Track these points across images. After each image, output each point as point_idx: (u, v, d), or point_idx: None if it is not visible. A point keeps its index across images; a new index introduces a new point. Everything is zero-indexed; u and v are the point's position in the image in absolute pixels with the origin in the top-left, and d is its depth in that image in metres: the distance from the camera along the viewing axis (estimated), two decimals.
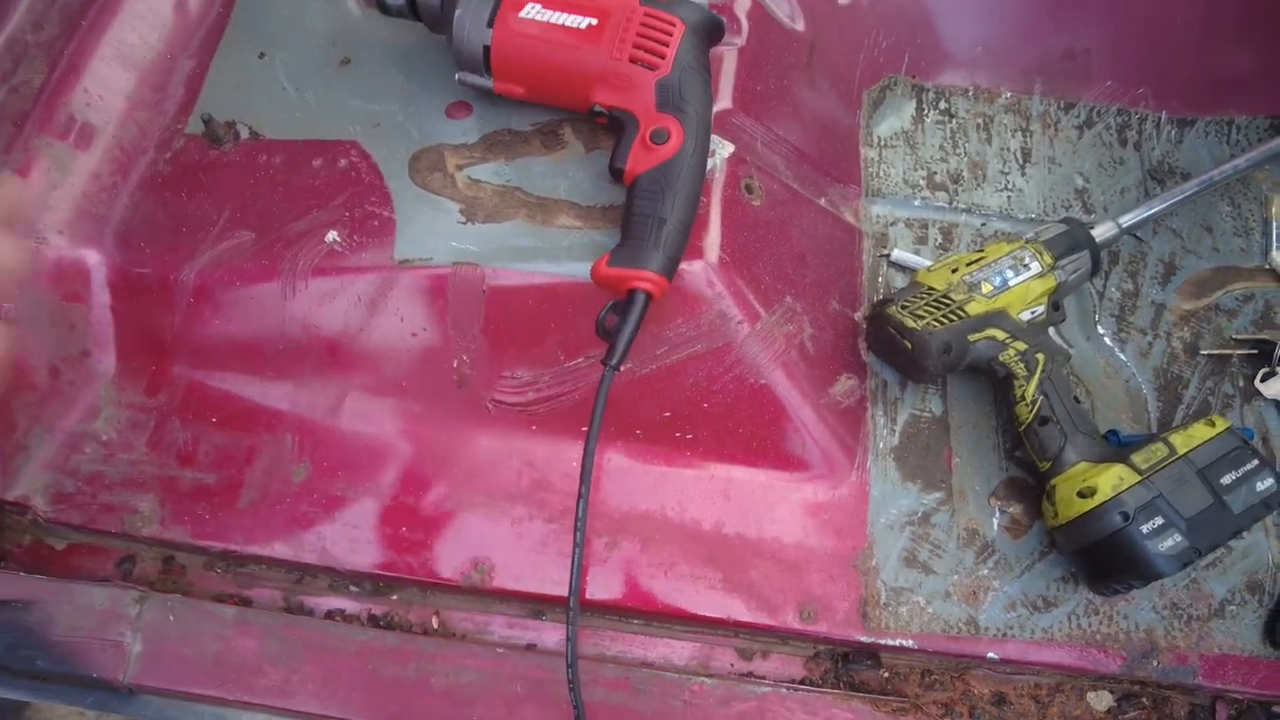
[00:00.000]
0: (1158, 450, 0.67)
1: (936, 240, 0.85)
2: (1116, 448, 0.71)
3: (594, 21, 0.67)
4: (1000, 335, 0.72)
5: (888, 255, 0.83)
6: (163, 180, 0.75)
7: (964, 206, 0.87)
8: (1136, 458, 0.67)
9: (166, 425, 0.74)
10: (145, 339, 0.74)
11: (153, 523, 0.72)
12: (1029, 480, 0.75)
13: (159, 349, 0.74)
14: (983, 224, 0.86)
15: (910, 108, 0.91)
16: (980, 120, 0.91)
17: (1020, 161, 0.90)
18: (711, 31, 0.70)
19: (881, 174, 0.87)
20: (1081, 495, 0.66)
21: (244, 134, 0.76)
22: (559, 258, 0.69)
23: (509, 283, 0.69)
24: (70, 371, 0.74)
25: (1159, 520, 0.64)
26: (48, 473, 0.73)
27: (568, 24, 0.67)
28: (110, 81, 0.76)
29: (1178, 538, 0.64)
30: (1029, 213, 0.87)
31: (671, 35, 0.66)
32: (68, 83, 0.74)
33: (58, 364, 0.74)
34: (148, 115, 0.77)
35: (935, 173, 0.88)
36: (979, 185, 0.88)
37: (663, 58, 0.66)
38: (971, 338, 0.72)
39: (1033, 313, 0.74)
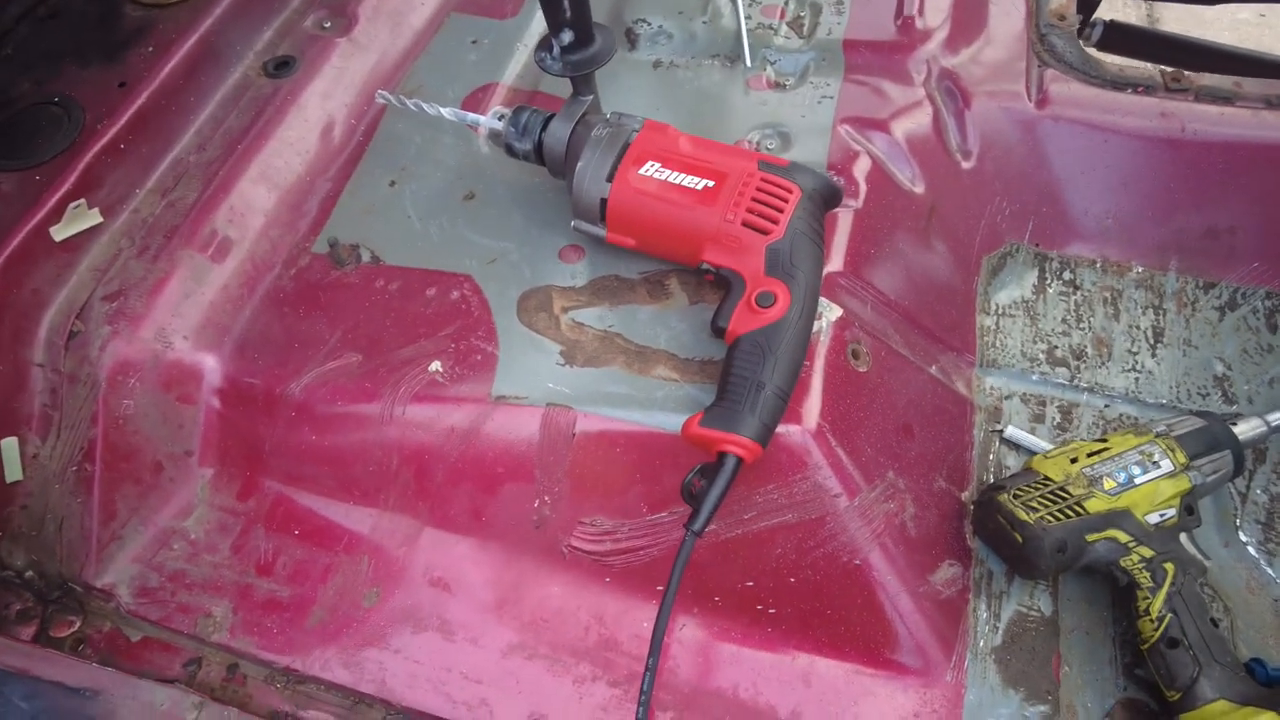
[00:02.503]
0: None
1: (1055, 419, 0.79)
2: (1264, 685, 0.63)
3: (711, 184, 0.67)
4: (1123, 538, 0.66)
5: (1001, 431, 0.78)
6: (284, 296, 0.78)
7: (1086, 385, 0.81)
8: None
9: (251, 532, 0.75)
10: (245, 446, 0.76)
11: (223, 629, 0.72)
12: (1151, 705, 0.67)
13: (256, 457, 0.76)
14: (1106, 406, 0.80)
15: (1032, 276, 0.87)
16: (1108, 294, 0.86)
17: (1151, 341, 0.84)
18: (829, 199, 0.69)
19: (998, 344, 0.83)
20: None
21: (365, 257, 0.80)
22: (651, 408, 0.67)
23: (599, 428, 0.68)
24: (172, 468, 0.77)
25: None
26: (136, 565, 0.75)
27: (685, 184, 0.67)
28: (253, 201, 0.81)
29: None
30: (1159, 398, 0.81)
31: (787, 202, 0.66)
32: (216, 200, 0.80)
33: (162, 460, 0.76)
34: (281, 232, 0.82)
35: (1056, 347, 0.83)
36: (1104, 364, 0.82)
37: (776, 223, 0.66)
38: (1090, 537, 0.66)
39: (1162, 515, 0.67)
